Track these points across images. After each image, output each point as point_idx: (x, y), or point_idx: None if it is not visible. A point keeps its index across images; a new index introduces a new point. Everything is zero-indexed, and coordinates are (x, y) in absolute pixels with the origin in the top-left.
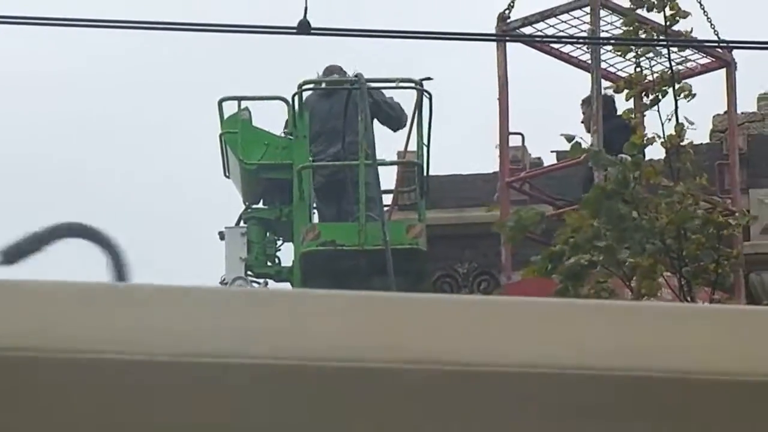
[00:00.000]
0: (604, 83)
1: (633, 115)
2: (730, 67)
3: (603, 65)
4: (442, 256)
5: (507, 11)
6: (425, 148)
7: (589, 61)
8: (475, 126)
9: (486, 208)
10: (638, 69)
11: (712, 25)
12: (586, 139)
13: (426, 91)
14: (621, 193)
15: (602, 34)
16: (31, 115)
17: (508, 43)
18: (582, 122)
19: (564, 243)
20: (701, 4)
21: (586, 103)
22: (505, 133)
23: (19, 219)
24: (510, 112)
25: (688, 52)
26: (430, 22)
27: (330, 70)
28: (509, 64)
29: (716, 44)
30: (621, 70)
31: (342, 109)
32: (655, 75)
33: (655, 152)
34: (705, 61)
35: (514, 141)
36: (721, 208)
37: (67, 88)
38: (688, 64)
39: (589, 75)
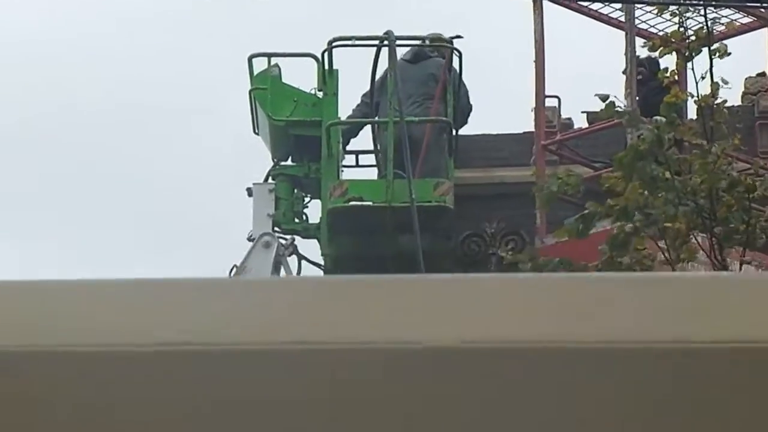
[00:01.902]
0: (641, 41)
1: (668, 75)
2: None
3: (643, 25)
4: (470, 215)
5: None
6: (455, 107)
7: (631, 21)
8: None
9: (527, 168)
10: (681, 28)
11: None
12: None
13: (456, 49)
14: (654, 154)
15: None
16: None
17: (544, 6)
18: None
19: (611, 208)
20: None
21: (634, 63)
22: (541, 95)
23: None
24: (546, 75)
25: (727, 12)
26: None
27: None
28: (546, 27)
29: (756, 4)
30: (662, 31)
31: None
32: (691, 34)
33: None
34: (746, 20)
35: (549, 103)
36: (761, 168)
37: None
38: (742, 20)
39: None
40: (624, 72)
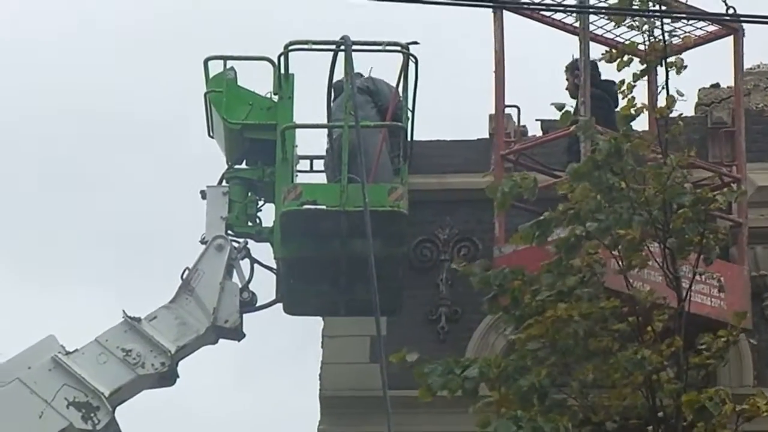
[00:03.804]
0: (601, 48)
1: (624, 86)
2: (738, 34)
3: (600, 31)
4: (424, 221)
5: None
6: (410, 113)
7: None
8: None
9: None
10: (655, 39)
11: None
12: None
13: (412, 56)
14: (610, 164)
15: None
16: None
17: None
18: (567, 89)
19: (563, 213)
20: None
21: (569, 69)
22: (500, 105)
23: None
24: (506, 84)
25: (688, 21)
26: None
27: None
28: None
29: (708, 16)
30: (618, 36)
31: None
32: (646, 45)
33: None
34: (712, 28)
35: (508, 112)
36: (726, 177)
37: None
38: (697, 33)
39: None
40: (567, 68)
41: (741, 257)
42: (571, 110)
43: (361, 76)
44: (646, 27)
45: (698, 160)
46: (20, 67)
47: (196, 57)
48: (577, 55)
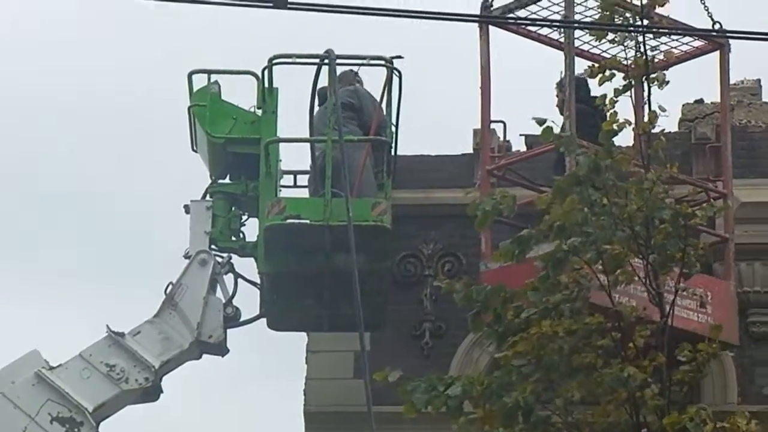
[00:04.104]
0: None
1: (605, 101)
2: (724, 49)
3: (586, 47)
4: (408, 236)
5: (490, 0)
6: (393, 127)
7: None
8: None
9: (465, 191)
10: (640, 54)
11: (706, 7)
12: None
13: (396, 69)
14: (592, 180)
15: (584, 18)
16: None
17: (490, 35)
18: (557, 105)
19: (549, 228)
20: None
21: (559, 86)
22: (486, 121)
23: None
24: (492, 100)
25: (671, 37)
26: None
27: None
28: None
29: (692, 32)
30: (605, 51)
31: None
32: (629, 61)
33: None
34: (698, 43)
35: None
36: (712, 192)
37: None
38: (683, 48)
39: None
40: (557, 85)
41: (728, 272)
42: (558, 126)
43: (356, 74)
44: (627, 42)
45: (685, 176)
46: None
47: (182, 71)
48: (587, 72)
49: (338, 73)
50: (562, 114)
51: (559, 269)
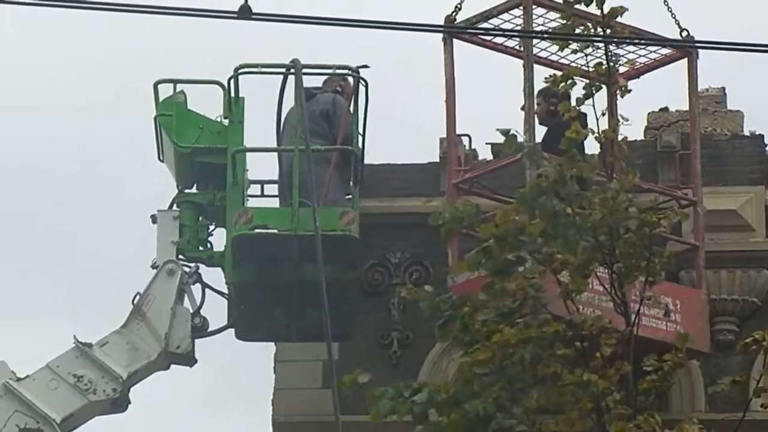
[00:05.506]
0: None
1: (570, 110)
2: (692, 56)
3: (554, 57)
4: (375, 245)
5: (454, 14)
6: (360, 136)
7: (539, 56)
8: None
9: (426, 199)
10: (607, 65)
11: (673, 15)
12: (539, 132)
13: (362, 79)
14: (556, 190)
15: (543, 28)
16: None
17: (454, 47)
18: (535, 113)
19: (489, 237)
20: None
21: (542, 94)
22: (452, 134)
23: None
24: (456, 113)
25: (632, 48)
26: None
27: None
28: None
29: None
30: (573, 62)
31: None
32: (591, 70)
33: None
34: (666, 51)
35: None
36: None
37: None
38: (652, 56)
39: (541, 67)
40: (539, 93)
41: (699, 281)
42: (522, 136)
43: (343, 79)
44: (590, 50)
45: (652, 184)
46: None
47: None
48: (550, 80)
49: (324, 78)
50: (541, 123)
51: (503, 278)
